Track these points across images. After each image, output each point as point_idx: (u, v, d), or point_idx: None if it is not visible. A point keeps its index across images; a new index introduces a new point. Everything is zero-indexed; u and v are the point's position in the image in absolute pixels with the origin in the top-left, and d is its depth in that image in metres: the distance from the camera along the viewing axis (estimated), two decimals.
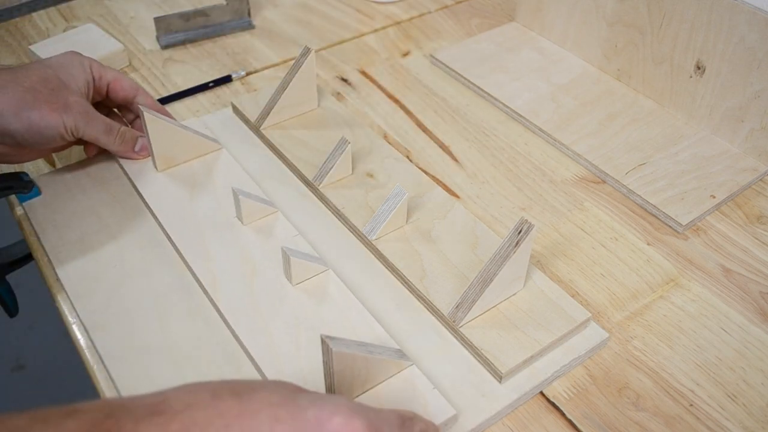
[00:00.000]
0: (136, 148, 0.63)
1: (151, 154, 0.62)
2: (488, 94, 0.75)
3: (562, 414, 0.48)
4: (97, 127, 0.59)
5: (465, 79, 0.77)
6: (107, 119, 0.60)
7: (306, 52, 0.66)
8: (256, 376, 0.48)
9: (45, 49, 0.77)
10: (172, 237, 0.57)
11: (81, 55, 0.61)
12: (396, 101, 0.75)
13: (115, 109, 0.66)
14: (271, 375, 0.47)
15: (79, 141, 0.61)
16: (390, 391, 0.46)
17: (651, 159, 0.67)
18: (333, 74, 0.79)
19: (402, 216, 0.57)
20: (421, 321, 0.52)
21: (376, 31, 0.86)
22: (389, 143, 0.68)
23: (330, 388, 0.45)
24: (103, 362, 0.49)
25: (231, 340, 0.50)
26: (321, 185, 0.61)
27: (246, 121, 0.70)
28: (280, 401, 0.35)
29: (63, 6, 0.90)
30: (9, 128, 0.54)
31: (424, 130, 0.71)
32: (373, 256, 0.57)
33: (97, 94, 0.62)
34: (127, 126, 0.64)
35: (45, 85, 0.56)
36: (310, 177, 0.62)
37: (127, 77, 0.63)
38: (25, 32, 0.85)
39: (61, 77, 0.57)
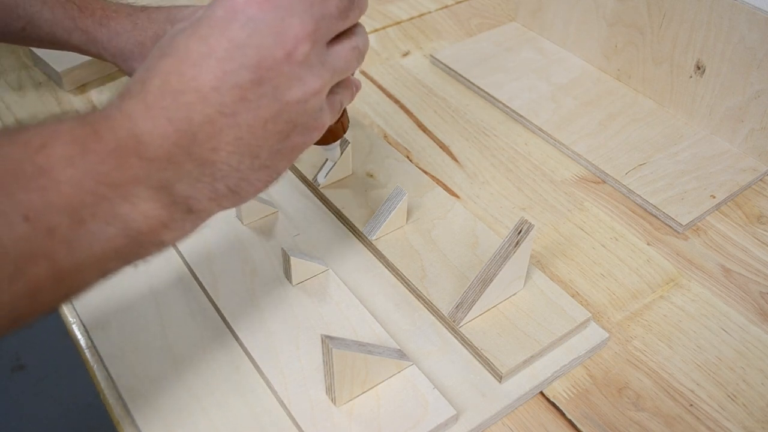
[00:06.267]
0: None
1: None
2: (488, 94, 0.75)
3: (562, 414, 0.48)
4: None
5: (465, 79, 0.77)
6: None
7: None
8: (255, 375, 0.48)
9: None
10: None
11: None
12: (396, 101, 0.75)
13: None
14: (271, 375, 0.47)
15: None
16: (390, 391, 0.46)
17: (651, 159, 0.67)
18: None
19: (402, 216, 0.57)
20: (421, 321, 0.52)
21: (376, 31, 0.86)
22: (389, 143, 0.68)
23: (330, 388, 0.45)
24: (103, 362, 0.49)
25: (231, 340, 0.50)
26: (321, 185, 0.61)
27: None
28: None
29: None
30: (123, 67, 0.63)
31: (424, 130, 0.71)
32: (373, 256, 0.57)
33: None
34: None
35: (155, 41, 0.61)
36: (310, 177, 0.62)
37: None
38: None
39: None
